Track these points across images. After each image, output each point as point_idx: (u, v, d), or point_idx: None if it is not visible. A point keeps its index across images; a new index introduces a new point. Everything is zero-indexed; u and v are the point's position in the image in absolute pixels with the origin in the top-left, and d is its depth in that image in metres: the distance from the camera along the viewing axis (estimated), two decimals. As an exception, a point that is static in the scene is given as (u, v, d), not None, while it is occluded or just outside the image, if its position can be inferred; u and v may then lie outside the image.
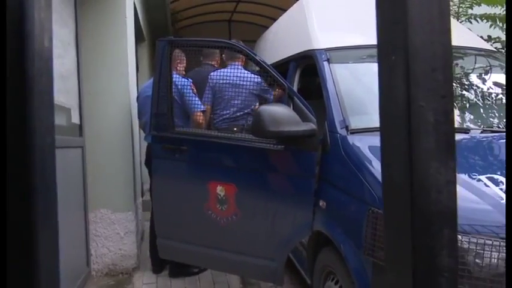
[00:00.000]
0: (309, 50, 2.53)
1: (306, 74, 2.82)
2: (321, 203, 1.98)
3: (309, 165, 2.07)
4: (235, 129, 2.90)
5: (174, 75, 2.68)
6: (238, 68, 2.89)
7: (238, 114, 2.95)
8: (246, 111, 2.94)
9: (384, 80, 0.55)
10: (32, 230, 0.48)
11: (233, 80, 2.78)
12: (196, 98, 2.81)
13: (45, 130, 0.50)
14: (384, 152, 0.56)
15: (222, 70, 2.90)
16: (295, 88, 2.73)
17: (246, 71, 2.83)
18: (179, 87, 2.82)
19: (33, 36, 0.49)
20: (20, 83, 0.48)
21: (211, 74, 3.01)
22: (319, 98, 2.28)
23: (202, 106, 2.82)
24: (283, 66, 3.06)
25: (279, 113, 1.99)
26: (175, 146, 2.46)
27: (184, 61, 3.10)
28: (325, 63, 2.32)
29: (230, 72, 2.72)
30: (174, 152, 2.47)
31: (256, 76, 2.85)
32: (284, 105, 2.09)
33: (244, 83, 2.67)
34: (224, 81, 2.84)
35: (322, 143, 2.04)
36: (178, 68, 3.04)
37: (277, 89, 2.90)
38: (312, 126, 2.03)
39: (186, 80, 2.84)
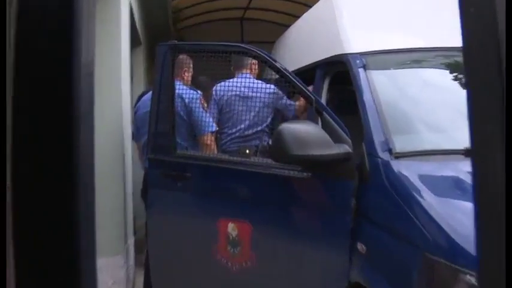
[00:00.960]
0: (340, 55, 2.51)
1: (336, 83, 2.78)
2: (359, 247, 1.91)
3: (343, 197, 2.04)
4: (247, 151, 2.88)
5: (179, 86, 2.68)
6: (248, 77, 2.87)
7: (249, 132, 2.93)
8: (259, 128, 2.92)
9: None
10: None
11: (243, 91, 2.76)
12: (208, 116, 2.81)
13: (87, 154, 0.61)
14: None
15: (229, 81, 2.88)
16: (323, 101, 2.70)
17: (258, 81, 2.81)
18: (186, 101, 2.81)
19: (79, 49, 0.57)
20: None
21: (216, 86, 3.01)
22: (353, 113, 2.25)
23: (214, 126, 2.81)
24: (307, 73, 3.02)
25: (304, 132, 1.96)
26: (177, 172, 2.44)
27: (191, 69, 3.10)
28: (361, 70, 2.29)
29: (239, 83, 2.69)
30: (175, 180, 2.45)
31: (270, 86, 2.83)
32: (311, 123, 2.05)
33: (257, 94, 2.65)
34: (232, 94, 2.83)
35: (359, 169, 2.00)
36: (184, 77, 3.04)
37: (298, 101, 2.87)
38: (346, 148, 1.99)
39: (194, 93, 2.83)
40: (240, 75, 3.00)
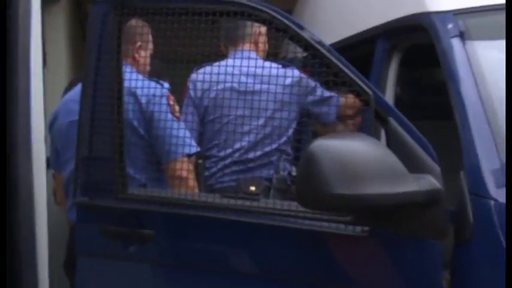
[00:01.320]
0: (419, 15, 2.56)
1: (411, 65, 2.81)
2: None
3: (425, 270, 2.07)
4: (252, 188, 2.88)
5: (130, 75, 2.70)
6: (251, 58, 2.88)
7: (256, 154, 2.95)
8: (272, 146, 2.96)
9: None
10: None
11: (243, 82, 2.74)
12: (182, 126, 2.84)
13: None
14: None
15: (217, 64, 2.88)
16: (389, 96, 2.71)
17: (269, 64, 2.83)
18: (143, 101, 2.84)
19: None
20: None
21: (194, 73, 3.05)
22: (443, 119, 2.29)
23: (193, 145, 2.84)
24: (359, 49, 3.04)
25: (355, 154, 1.96)
26: (130, 228, 2.46)
27: (150, 45, 3.14)
28: (456, 42, 2.34)
29: (235, 67, 2.67)
30: (125, 243, 2.48)
31: (293, 71, 2.87)
32: (366, 137, 2.06)
33: (268, 86, 2.65)
34: (223, 87, 2.85)
35: (455, 220, 2.03)
36: (138, 57, 3.10)
37: (344, 97, 2.88)
38: (431, 183, 2.00)
39: (157, 87, 2.86)
40: (236, 54, 3.02)
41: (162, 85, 2.89)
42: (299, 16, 4.26)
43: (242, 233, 2.32)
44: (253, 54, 3.00)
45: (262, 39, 3.17)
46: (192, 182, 2.80)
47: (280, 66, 2.89)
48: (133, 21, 2.85)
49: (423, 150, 2.08)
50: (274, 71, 2.69)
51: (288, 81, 2.79)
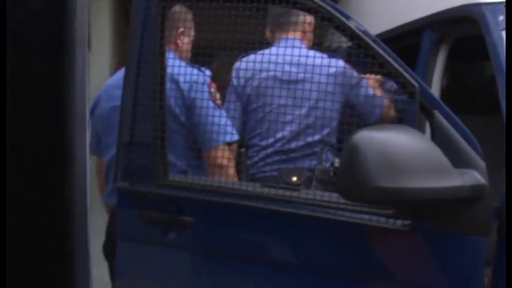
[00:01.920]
0: (467, 6, 2.54)
1: (459, 58, 2.78)
2: None
3: (468, 266, 2.08)
4: (294, 178, 2.88)
5: (172, 62, 2.71)
6: (296, 46, 2.87)
7: (298, 144, 2.96)
8: (316, 137, 2.96)
9: None
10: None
11: (287, 71, 2.78)
12: (223, 114, 2.86)
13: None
14: None
15: (261, 52, 2.89)
16: (435, 88, 2.69)
17: (315, 53, 2.84)
18: (184, 88, 2.87)
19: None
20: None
21: (238, 62, 3.08)
22: (490, 113, 2.25)
23: (234, 133, 2.87)
24: (405, 41, 3.01)
25: (400, 147, 1.96)
26: (170, 215, 2.49)
27: (193, 31, 3.16)
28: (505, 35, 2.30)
29: (279, 56, 2.68)
30: (165, 229, 2.51)
31: (338, 61, 2.87)
32: (411, 130, 2.05)
33: (313, 76, 2.64)
34: (267, 75, 2.85)
35: (499, 216, 2.02)
36: (181, 44, 3.11)
37: (392, 87, 2.86)
38: (476, 178, 2.00)
39: (199, 74, 2.87)
40: (280, 42, 3.02)
41: (203, 72, 2.89)
42: (345, 5, 4.24)
43: (282, 223, 2.34)
44: (297, 43, 2.98)
45: (309, 28, 3.16)
46: (231, 171, 2.81)
47: (325, 56, 2.89)
48: (176, 7, 2.87)
49: (468, 145, 2.08)
50: (318, 61, 2.69)
51: (332, 70, 2.77)
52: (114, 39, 6.01)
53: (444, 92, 2.71)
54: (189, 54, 3.20)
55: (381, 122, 2.92)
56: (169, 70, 2.64)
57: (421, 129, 2.15)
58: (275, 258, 2.40)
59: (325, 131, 2.95)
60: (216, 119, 2.76)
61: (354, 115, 2.85)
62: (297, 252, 2.37)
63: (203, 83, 2.83)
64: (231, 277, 2.45)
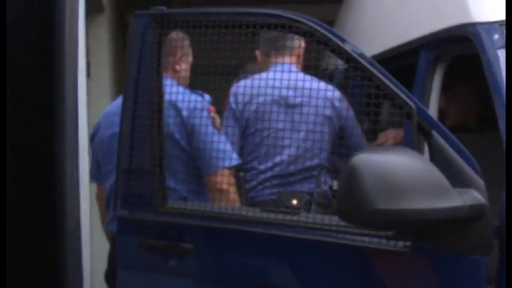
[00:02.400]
0: (463, 26, 2.54)
1: (455, 77, 2.79)
2: None
3: (469, 285, 2.08)
4: (294, 201, 2.88)
5: (171, 87, 2.73)
6: (292, 71, 2.90)
7: (297, 168, 2.98)
8: (314, 162, 2.98)
9: None
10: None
11: (284, 95, 2.81)
12: (223, 139, 2.87)
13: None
14: None
15: (258, 77, 2.91)
16: (432, 108, 2.70)
17: (311, 78, 2.85)
18: (184, 113, 2.88)
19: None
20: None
21: (235, 86, 3.10)
22: (487, 130, 2.23)
23: (234, 157, 2.87)
24: (401, 61, 3.02)
25: (398, 168, 1.96)
26: (170, 241, 2.49)
27: (190, 56, 3.18)
28: (502, 53, 2.33)
29: (276, 80, 2.70)
30: (165, 257, 2.51)
31: (333, 89, 2.92)
32: (409, 151, 2.06)
33: (310, 100, 2.65)
34: (264, 99, 2.87)
35: (500, 236, 2.01)
36: (179, 69, 3.13)
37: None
38: (475, 197, 2.00)
39: (198, 99, 2.88)
40: (276, 67, 3.05)
41: (202, 96, 2.91)
42: (340, 27, 4.27)
43: (283, 247, 2.33)
44: (293, 68, 3.01)
45: (302, 52, 3.19)
46: (232, 195, 2.81)
47: (322, 81, 2.90)
48: (173, 34, 2.88)
49: (467, 164, 2.07)
50: (315, 85, 2.69)
51: (329, 95, 2.80)
52: (113, 65, 6.04)
53: (441, 112, 2.71)
54: (188, 79, 3.22)
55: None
56: (168, 97, 2.66)
57: (419, 150, 2.14)
58: (276, 283, 2.39)
59: (323, 155, 2.97)
60: (216, 144, 2.76)
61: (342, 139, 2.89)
62: (298, 276, 2.35)
63: (202, 108, 2.84)
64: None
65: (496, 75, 2.28)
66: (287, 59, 3.10)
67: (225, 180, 2.79)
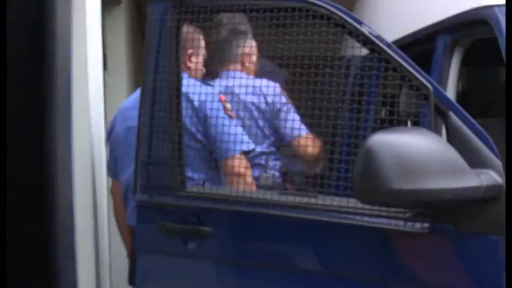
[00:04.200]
0: (480, 9, 2.54)
1: (473, 61, 2.79)
2: None
3: (488, 266, 2.07)
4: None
5: (185, 81, 2.77)
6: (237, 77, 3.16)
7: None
8: (257, 150, 3.14)
9: None
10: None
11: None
12: (236, 125, 2.92)
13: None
14: None
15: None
16: (450, 91, 2.71)
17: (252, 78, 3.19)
18: (196, 104, 2.94)
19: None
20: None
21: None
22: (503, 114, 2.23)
23: (250, 142, 2.94)
24: (419, 46, 3.02)
25: (416, 149, 1.97)
26: (188, 225, 2.52)
27: (202, 50, 3.22)
28: None
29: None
30: (184, 240, 2.54)
31: (275, 84, 3.12)
32: (427, 131, 2.07)
33: (251, 96, 2.91)
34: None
35: (506, 223, 1.98)
36: (191, 64, 3.18)
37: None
38: (492, 178, 2.01)
39: (209, 89, 2.96)
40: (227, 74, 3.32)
41: (212, 87, 2.95)
42: (359, 14, 4.26)
43: (301, 229, 2.35)
44: (239, 74, 3.26)
45: (249, 58, 3.45)
46: (249, 179, 2.85)
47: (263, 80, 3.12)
48: (184, 28, 2.91)
49: (484, 145, 2.07)
50: (256, 83, 2.93)
51: (264, 90, 3.05)
52: (130, 58, 6.04)
53: (459, 95, 2.71)
54: (201, 72, 3.26)
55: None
56: (185, 90, 2.72)
57: (437, 131, 2.15)
58: (295, 265, 2.41)
59: (265, 144, 3.13)
60: (230, 130, 2.80)
61: None
62: (317, 259, 2.37)
63: (213, 98, 2.88)
64: (251, 286, 2.46)
65: None
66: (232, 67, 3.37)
67: (241, 164, 2.82)
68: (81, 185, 3.25)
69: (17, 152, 1.16)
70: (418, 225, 2.12)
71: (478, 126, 2.11)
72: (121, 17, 5.88)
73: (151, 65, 2.60)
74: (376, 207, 2.15)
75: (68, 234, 1.19)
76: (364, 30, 2.29)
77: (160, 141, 2.57)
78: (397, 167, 1.94)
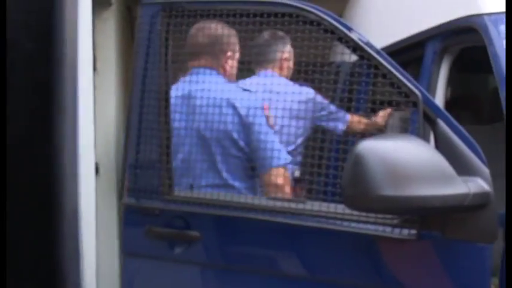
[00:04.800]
0: (470, 17, 2.56)
1: (461, 69, 2.79)
2: None
3: (474, 274, 2.08)
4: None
5: (227, 86, 2.87)
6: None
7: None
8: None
9: None
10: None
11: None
12: (277, 138, 2.90)
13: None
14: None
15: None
16: (439, 98, 2.72)
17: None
18: (242, 111, 2.90)
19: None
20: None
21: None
22: (494, 121, 2.24)
23: (287, 157, 2.89)
24: (408, 53, 3.04)
25: (405, 156, 1.97)
26: (176, 229, 2.51)
27: (238, 52, 3.19)
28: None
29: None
30: (172, 243, 2.53)
31: (309, 89, 3.13)
32: (415, 139, 2.07)
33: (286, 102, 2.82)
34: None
35: (506, 223, 1.98)
36: (227, 66, 3.14)
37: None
38: (480, 185, 2.01)
39: (253, 97, 2.92)
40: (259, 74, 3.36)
41: (256, 95, 2.94)
42: (348, 21, 4.27)
43: (288, 235, 2.35)
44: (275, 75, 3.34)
45: (287, 64, 3.55)
46: (288, 190, 2.84)
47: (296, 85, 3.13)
48: (224, 30, 2.91)
49: (472, 153, 2.08)
50: (290, 88, 2.79)
51: (303, 98, 2.97)
52: (120, 60, 6.03)
53: (448, 102, 2.71)
54: (235, 76, 3.24)
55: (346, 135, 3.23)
56: (224, 95, 2.75)
57: (425, 138, 2.15)
58: (282, 270, 2.41)
59: (289, 148, 3.14)
60: (272, 144, 2.78)
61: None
62: (305, 264, 2.37)
63: (257, 107, 2.87)
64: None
65: (502, 66, 2.29)
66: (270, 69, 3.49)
67: (285, 176, 2.82)
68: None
69: (23, 154, 1.16)
70: (405, 231, 2.13)
71: (466, 133, 2.11)
72: (111, 19, 5.86)
73: (141, 68, 2.60)
74: (364, 214, 2.16)
75: (74, 237, 1.20)
76: (354, 36, 2.29)
77: (149, 144, 2.56)
78: (385, 173, 1.94)
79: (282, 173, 2.83)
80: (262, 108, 2.89)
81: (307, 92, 3.12)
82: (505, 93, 2.12)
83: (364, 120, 3.35)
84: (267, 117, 2.89)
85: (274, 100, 2.67)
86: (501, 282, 2.08)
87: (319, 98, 3.31)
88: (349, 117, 3.45)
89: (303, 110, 2.97)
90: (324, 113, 3.38)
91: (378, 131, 3.23)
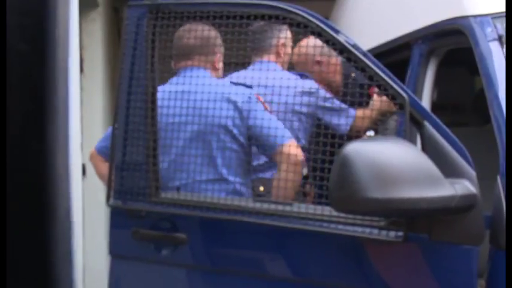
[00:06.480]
0: (455, 19, 2.56)
1: (448, 71, 2.80)
2: None
3: (461, 276, 2.08)
4: (261, 188, 3.04)
5: (220, 81, 2.85)
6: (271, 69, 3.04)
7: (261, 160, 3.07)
8: None
9: None
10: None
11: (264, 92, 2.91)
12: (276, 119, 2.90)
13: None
14: None
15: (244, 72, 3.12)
16: (426, 100, 2.72)
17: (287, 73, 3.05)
18: (239, 104, 2.91)
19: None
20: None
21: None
22: (481, 123, 2.24)
23: (289, 133, 2.88)
24: (394, 55, 3.04)
25: (391, 158, 1.97)
26: (163, 231, 2.50)
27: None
28: (494, 45, 2.35)
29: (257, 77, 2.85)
30: (158, 245, 2.52)
31: (311, 81, 3.08)
32: (402, 141, 2.07)
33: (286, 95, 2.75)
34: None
35: (491, 226, 2.02)
36: (218, 65, 3.15)
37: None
38: (466, 187, 2.01)
39: (246, 89, 2.95)
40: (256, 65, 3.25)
41: (248, 86, 2.96)
42: (335, 22, 4.28)
43: (275, 237, 2.36)
44: (273, 65, 3.16)
45: (284, 50, 3.41)
46: (303, 161, 2.81)
47: (298, 77, 3.09)
48: (211, 32, 2.93)
49: (459, 155, 2.08)
50: (292, 82, 2.76)
51: (303, 90, 2.97)
52: (106, 61, 6.03)
53: (434, 104, 2.71)
54: (221, 74, 3.25)
55: (352, 131, 3.11)
56: (219, 90, 2.74)
57: (412, 141, 2.16)
58: (269, 272, 2.41)
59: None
60: (276, 122, 2.82)
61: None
62: (291, 266, 2.37)
63: (254, 98, 2.92)
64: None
65: (489, 68, 2.30)
66: (266, 57, 3.34)
67: (295, 149, 2.78)
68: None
69: (18, 155, 1.14)
70: (392, 233, 2.12)
71: (453, 135, 2.12)
72: (98, 20, 5.87)
73: (127, 69, 2.59)
74: (350, 216, 2.15)
75: (67, 238, 1.18)
76: (341, 38, 2.29)
77: (135, 146, 2.56)
78: (372, 175, 1.94)
79: (293, 146, 2.80)
80: (256, 98, 2.92)
81: (310, 85, 3.12)
82: (505, 93, 2.13)
83: (368, 112, 3.06)
84: (263, 104, 2.92)
85: (276, 94, 2.67)
86: (489, 285, 2.08)
87: (323, 91, 3.24)
88: (354, 112, 3.25)
89: (305, 103, 3.00)
90: (328, 104, 3.24)
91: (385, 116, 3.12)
